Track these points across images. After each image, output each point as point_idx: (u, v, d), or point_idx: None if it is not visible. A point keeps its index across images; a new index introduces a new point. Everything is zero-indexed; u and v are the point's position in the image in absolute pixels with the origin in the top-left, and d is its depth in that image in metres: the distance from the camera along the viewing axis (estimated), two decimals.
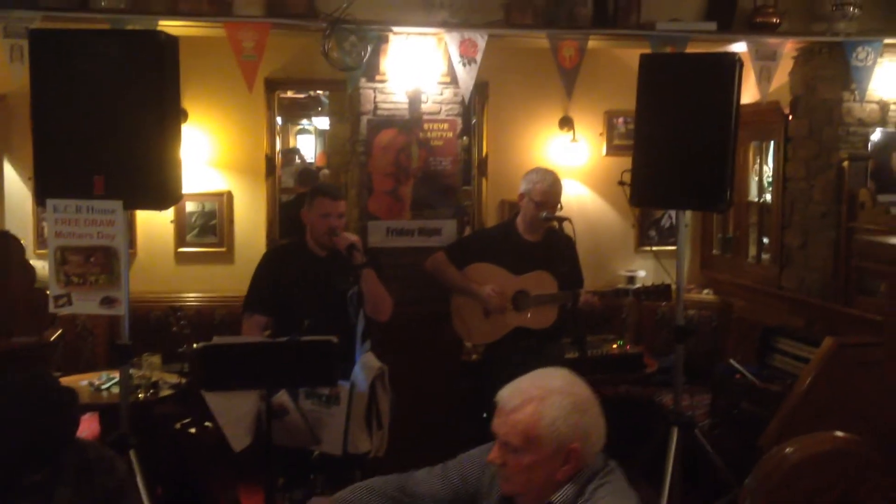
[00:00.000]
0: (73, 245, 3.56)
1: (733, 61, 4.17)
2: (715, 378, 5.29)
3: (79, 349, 5.85)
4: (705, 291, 6.62)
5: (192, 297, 6.25)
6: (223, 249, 6.41)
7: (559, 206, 4.54)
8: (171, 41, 3.66)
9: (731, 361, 5.23)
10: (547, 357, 4.46)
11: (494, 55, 5.36)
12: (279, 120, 7.26)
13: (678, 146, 4.24)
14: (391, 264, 4.77)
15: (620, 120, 6.67)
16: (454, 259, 4.65)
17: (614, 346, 5.62)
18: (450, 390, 5.30)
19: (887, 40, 5.38)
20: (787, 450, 2.40)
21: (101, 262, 3.59)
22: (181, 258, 6.41)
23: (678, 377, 4.50)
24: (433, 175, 5.32)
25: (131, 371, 4.40)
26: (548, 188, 4.50)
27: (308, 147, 13.36)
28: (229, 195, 6.41)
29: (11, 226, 5.97)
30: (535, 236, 4.62)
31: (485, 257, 4.61)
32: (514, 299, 4.54)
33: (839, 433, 2.48)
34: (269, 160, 6.44)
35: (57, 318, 4.26)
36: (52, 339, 4.22)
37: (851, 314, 5.12)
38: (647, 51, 5.05)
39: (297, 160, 11.98)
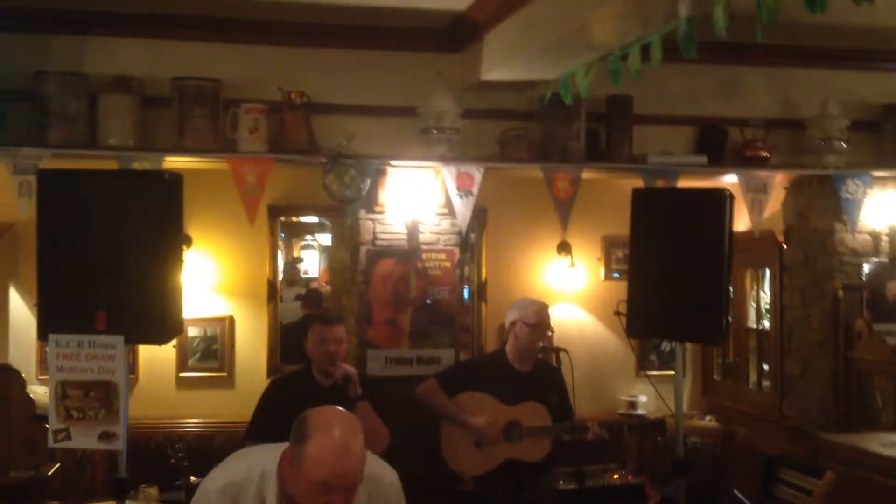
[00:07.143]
0: (74, 379, 3.59)
1: (723, 196, 4.20)
2: None
3: (77, 478, 5.79)
4: (707, 418, 6.56)
5: (192, 423, 6.21)
6: (224, 374, 6.40)
7: (551, 331, 4.58)
8: (176, 179, 3.71)
9: (735, 492, 5.15)
10: (539, 490, 4.41)
11: (493, 182, 5.47)
12: (282, 235, 7.32)
13: (672, 278, 4.27)
14: (389, 393, 4.77)
15: (619, 245, 6.75)
16: (445, 387, 4.63)
17: (615, 475, 5.54)
18: None
19: (876, 173, 5.50)
20: None
21: (101, 397, 3.61)
22: (182, 383, 6.40)
23: None
24: (432, 304, 5.37)
25: (128, 502, 4.37)
26: (540, 310, 4.55)
27: (312, 261, 13.48)
28: (231, 320, 6.45)
29: (16, 350, 5.99)
30: (526, 366, 4.62)
31: (476, 386, 4.60)
32: (505, 430, 4.51)
33: None
34: (272, 285, 6.51)
35: (55, 452, 4.26)
36: (50, 473, 4.20)
37: (855, 446, 5.06)
38: (640, 182, 5.16)
39: (302, 273, 12.06)
